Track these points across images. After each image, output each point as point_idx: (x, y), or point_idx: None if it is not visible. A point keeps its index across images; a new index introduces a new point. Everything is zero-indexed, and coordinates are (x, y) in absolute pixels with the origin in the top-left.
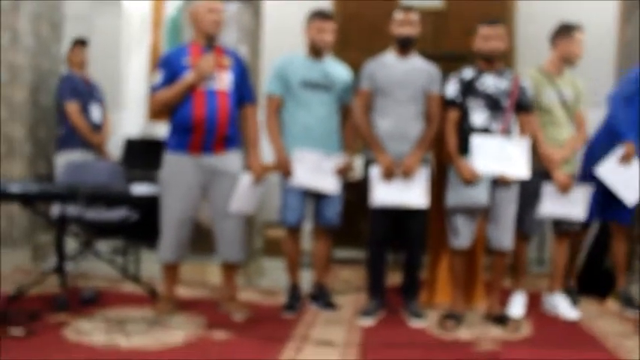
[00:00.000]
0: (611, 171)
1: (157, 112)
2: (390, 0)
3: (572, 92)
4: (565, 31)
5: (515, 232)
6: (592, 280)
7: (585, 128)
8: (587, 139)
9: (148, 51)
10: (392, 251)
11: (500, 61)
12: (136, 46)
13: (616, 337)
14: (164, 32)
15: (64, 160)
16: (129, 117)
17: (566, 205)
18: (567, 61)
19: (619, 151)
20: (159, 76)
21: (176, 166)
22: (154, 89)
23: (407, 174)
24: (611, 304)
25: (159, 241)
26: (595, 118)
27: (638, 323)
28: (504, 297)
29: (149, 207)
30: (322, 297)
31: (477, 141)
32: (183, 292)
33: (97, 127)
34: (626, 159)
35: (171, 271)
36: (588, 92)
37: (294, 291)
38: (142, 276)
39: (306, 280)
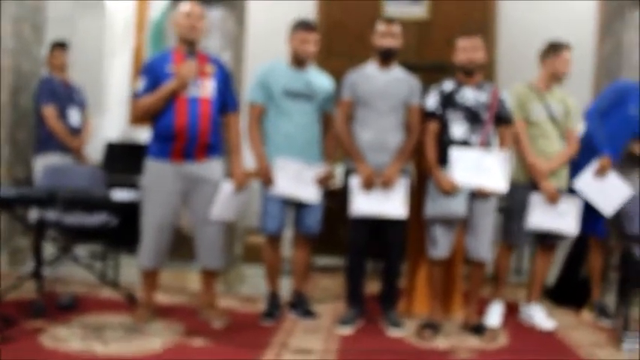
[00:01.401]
0: (588, 184)
1: (140, 118)
2: (374, 9)
3: (562, 108)
4: (553, 50)
5: (500, 242)
6: (568, 291)
7: (575, 143)
8: (574, 154)
9: (131, 54)
10: (372, 260)
11: (480, 73)
12: (119, 48)
13: (590, 347)
14: (148, 35)
15: (42, 163)
16: (111, 121)
17: (556, 218)
18: (555, 78)
19: (595, 165)
20: (141, 83)
21: (157, 173)
22: (136, 96)
23: (386, 184)
24: (586, 314)
25: (138, 246)
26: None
27: (611, 333)
28: (482, 307)
29: (129, 212)
30: (301, 305)
31: (455, 153)
32: (162, 298)
33: (76, 131)
34: (601, 172)
35: (150, 277)
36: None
37: (273, 299)
38: (121, 282)
39: (286, 287)
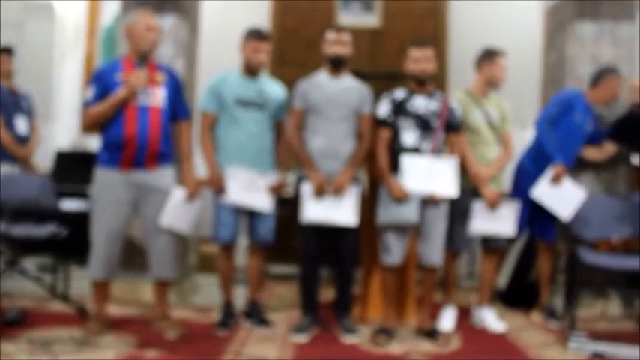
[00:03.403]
0: (545, 192)
1: (90, 127)
2: (327, 18)
3: (498, 113)
4: (488, 56)
5: (445, 248)
6: (518, 294)
7: (511, 147)
8: (512, 157)
9: (82, 61)
10: (327, 267)
11: (431, 82)
12: (70, 55)
13: (538, 347)
14: (99, 41)
15: None
16: (61, 129)
17: (495, 221)
18: (491, 84)
19: (549, 173)
20: (91, 92)
21: (107, 182)
22: (86, 105)
23: (338, 192)
24: (536, 316)
25: (89, 257)
26: (521, 138)
27: (559, 333)
28: (435, 311)
29: (79, 222)
30: (256, 314)
31: (406, 160)
32: (114, 310)
33: (24, 140)
34: (556, 179)
35: (101, 288)
36: (514, 113)
37: (227, 308)
38: (72, 294)
39: (241, 296)
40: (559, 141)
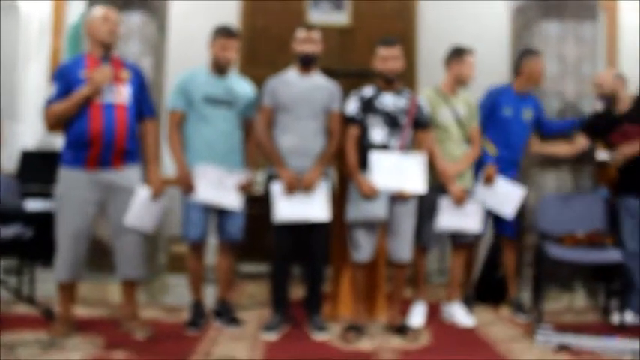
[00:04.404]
0: (483, 194)
1: (53, 125)
2: (297, 16)
3: (466, 110)
4: (457, 54)
5: (414, 244)
6: (487, 289)
7: (478, 143)
8: (478, 154)
9: (47, 59)
10: (298, 265)
11: (399, 80)
12: (35, 53)
13: (507, 341)
14: (65, 40)
15: None
16: (26, 128)
17: (462, 218)
18: (460, 81)
19: (481, 175)
20: (54, 89)
21: (71, 182)
22: (48, 102)
23: (308, 188)
24: (504, 310)
25: (55, 259)
26: None
27: (527, 327)
28: (405, 307)
29: (44, 223)
30: (226, 313)
31: (375, 157)
32: (82, 311)
33: None
34: (488, 181)
35: (67, 290)
36: None
37: (197, 307)
38: (38, 296)
39: (211, 295)
40: (499, 138)
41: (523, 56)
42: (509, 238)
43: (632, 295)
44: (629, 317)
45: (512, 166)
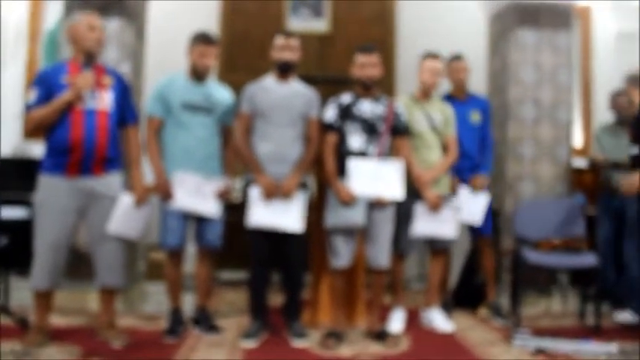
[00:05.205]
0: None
1: (33, 131)
2: (276, 23)
3: (442, 117)
4: (420, 60)
5: (392, 251)
6: (466, 295)
7: (455, 151)
8: (455, 161)
9: (24, 64)
10: (277, 272)
11: (378, 86)
12: (11, 59)
13: (485, 346)
14: (41, 45)
15: None
16: (3, 135)
17: (437, 224)
18: (423, 86)
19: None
20: (34, 94)
21: (51, 189)
22: (28, 108)
23: (286, 195)
24: (483, 312)
25: (31, 267)
26: None
27: (505, 331)
28: (385, 314)
29: (20, 231)
30: (205, 320)
31: (353, 163)
32: (59, 321)
33: None
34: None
35: (44, 299)
36: None
37: (175, 315)
38: (12, 306)
39: (190, 303)
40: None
41: (449, 60)
42: (486, 236)
43: (631, 295)
44: (624, 317)
45: (472, 172)
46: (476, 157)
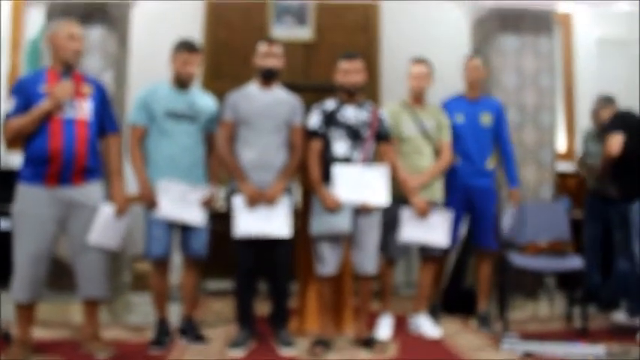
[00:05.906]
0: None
1: (11, 141)
2: (260, 31)
3: (434, 123)
4: (409, 66)
5: (380, 257)
6: (454, 300)
7: (447, 156)
8: (447, 167)
9: (5, 74)
10: (264, 280)
11: (361, 93)
12: None
13: (473, 350)
14: (23, 54)
15: None
16: None
17: (427, 230)
18: (412, 92)
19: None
20: (12, 103)
21: (30, 199)
22: (7, 117)
23: (270, 202)
24: (473, 324)
25: (12, 279)
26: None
27: (493, 337)
28: (373, 320)
29: (0, 243)
30: (191, 330)
31: (338, 170)
32: (42, 333)
33: None
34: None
35: (26, 311)
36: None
37: (161, 325)
38: None
39: (176, 314)
40: (457, 147)
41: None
42: (489, 250)
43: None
44: (618, 317)
45: (481, 176)
46: (482, 162)
